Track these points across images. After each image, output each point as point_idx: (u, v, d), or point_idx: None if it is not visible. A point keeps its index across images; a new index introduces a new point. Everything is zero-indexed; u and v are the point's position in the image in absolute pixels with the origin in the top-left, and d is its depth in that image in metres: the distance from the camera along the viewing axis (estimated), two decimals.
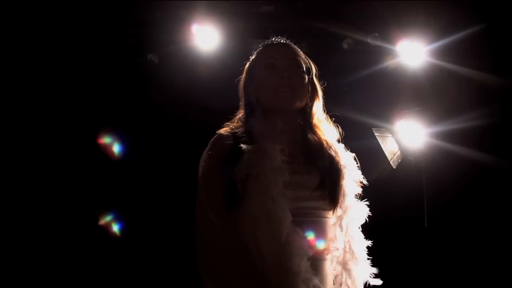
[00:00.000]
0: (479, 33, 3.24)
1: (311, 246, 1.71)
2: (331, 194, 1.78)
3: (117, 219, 3.44)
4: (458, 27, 3.26)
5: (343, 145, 1.94)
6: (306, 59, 1.91)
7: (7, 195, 3.31)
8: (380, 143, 3.45)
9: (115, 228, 3.43)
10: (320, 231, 1.75)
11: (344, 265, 1.81)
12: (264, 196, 1.69)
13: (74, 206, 3.40)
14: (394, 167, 3.47)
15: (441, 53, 3.36)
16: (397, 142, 3.48)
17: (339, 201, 1.80)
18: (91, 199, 3.42)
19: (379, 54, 3.50)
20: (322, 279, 1.72)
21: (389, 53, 3.48)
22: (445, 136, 3.40)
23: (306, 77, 1.86)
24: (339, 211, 1.81)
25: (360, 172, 1.90)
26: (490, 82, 3.30)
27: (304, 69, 1.86)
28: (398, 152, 3.49)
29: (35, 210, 3.35)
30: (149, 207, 3.49)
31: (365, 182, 1.90)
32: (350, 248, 1.81)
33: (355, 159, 1.92)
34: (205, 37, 3.46)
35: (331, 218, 1.81)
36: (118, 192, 3.46)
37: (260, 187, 1.69)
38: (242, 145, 1.73)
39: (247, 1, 3.44)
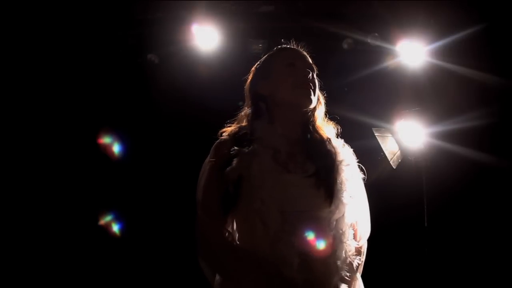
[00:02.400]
0: (479, 33, 3.24)
1: (301, 245, 1.72)
2: (326, 191, 1.80)
3: (117, 219, 3.44)
4: (458, 27, 3.26)
5: (342, 140, 1.96)
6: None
7: (7, 195, 3.30)
8: (380, 143, 3.45)
9: (115, 228, 3.43)
10: (314, 229, 1.75)
11: (324, 260, 1.78)
12: (254, 197, 1.75)
13: (74, 206, 3.40)
14: (394, 167, 3.47)
15: (441, 53, 3.36)
16: (397, 142, 3.48)
17: (333, 197, 1.80)
18: (91, 199, 3.42)
19: (379, 54, 3.50)
20: (317, 277, 1.73)
21: (389, 53, 3.48)
22: (445, 136, 3.40)
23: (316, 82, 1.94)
24: (332, 206, 1.80)
25: (357, 167, 1.91)
26: (490, 82, 3.30)
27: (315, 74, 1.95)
28: (398, 152, 3.49)
29: (35, 210, 3.35)
30: (149, 207, 3.49)
31: (362, 176, 1.92)
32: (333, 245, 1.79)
33: (354, 153, 1.94)
34: (205, 37, 3.46)
35: (326, 215, 1.80)
36: (118, 192, 3.46)
37: (250, 188, 1.76)
38: (235, 147, 1.80)
39: (247, 1, 3.44)
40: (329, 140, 1.93)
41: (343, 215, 1.82)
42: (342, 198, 1.81)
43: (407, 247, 3.49)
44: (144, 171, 3.52)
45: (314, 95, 1.89)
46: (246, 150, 1.80)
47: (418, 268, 3.40)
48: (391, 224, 3.35)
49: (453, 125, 3.37)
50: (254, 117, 1.91)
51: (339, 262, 1.78)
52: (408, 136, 3.44)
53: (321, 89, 1.98)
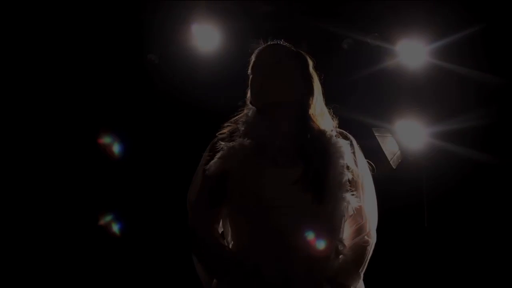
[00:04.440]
0: (479, 33, 3.24)
1: (285, 242, 1.67)
2: (316, 186, 1.73)
3: (117, 219, 3.44)
4: (458, 27, 3.26)
5: (334, 132, 1.88)
6: (299, 54, 1.92)
7: (7, 195, 3.30)
8: (380, 143, 3.45)
9: (115, 228, 3.42)
10: (302, 226, 1.69)
11: (310, 258, 1.71)
12: (235, 192, 1.73)
13: (74, 206, 3.40)
14: (394, 167, 3.47)
15: (441, 53, 3.36)
16: (397, 142, 3.48)
17: (324, 193, 1.73)
18: (91, 199, 3.42)
19: (379, 54, 3.50)
20: (299, 276, 1.67)
21: (389, 53, 3.48)
22: (445, 136, 3.40)
23: (296, 71, 1.87)
24: (324, 201, 1.73)
25: (352, 158, 1.83)
26: (490, 82, 3.30)
27: (294, 64, 1.88)
28: (398, 152, 3.49)
29: (35, 210, 3.35)
30: (149, 207, 3.49)
31: (355, 168, 1.83)
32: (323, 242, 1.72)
33: (351, 145, 1.87)
34: (205, 37, 3.46)
35: (315, 210, 1.73)
36: (118, 192, 3.46)
37: (233, 183, 1.74)
38: (221, 142, 1.79)
39: (247, 1, 3.44)
40: (323, 132, 1.86)
41: (336, 210, 1.75)
42: (335, 193, 1.75)
43: (407, 247, 3.48)
44: (144, 171, 3.52)
45: (280, 88, 1.82)
46: (231, 145, 1.77)
47: (418, 269, 3.40)
48: (391, 224, 3.35)
49: (453, 125, 3.37)
50: (246, 115, 1.90)
51: (327, 261, 1.71)
52: (408, 136, 3.44)
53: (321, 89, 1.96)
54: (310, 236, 1.69)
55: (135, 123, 3.54)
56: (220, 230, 1.85)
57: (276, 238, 1.67)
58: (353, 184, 1.81)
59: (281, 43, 1.94)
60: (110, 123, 3.47)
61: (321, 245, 1.70)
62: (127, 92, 3.54)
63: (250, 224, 1.71)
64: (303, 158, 1.77)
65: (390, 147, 3.48)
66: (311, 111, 1.89)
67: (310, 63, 1.92)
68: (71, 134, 3.45)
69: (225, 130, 1.90)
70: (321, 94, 1.93)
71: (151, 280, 3.51)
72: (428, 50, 3.39)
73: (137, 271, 3.47)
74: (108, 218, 3.42)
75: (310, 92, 1.88)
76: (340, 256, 1.75)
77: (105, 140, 3.44)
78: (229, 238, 1.83)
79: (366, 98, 3.47)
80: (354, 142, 1.90)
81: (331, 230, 1.74)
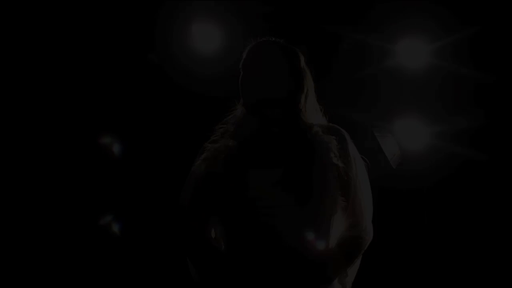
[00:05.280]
0: (479, 33, 3.25)
1: (270, 241, 1.66)
2: (297, 186, 1.69)
3: (117, 219, 3.44)
4: (458, 27, 3.27)
5: (321, 128, 1.81)
6: (289, 50, 1.87)
7: (6, 195, 3.31)
8: (380, 143, 3.45)
9: (115, 228, 3.43)
10: (287, 225, 1.67)
11: (294, 257, 1.68)
12: (219, 194, 1.72)
13: (74, 206, 3.40)
14: (394, 167, 3.47)
15: (441, 53, 3.36)
16: (397, 142, 3.48)
17: (307, 192, 1.68)
18: (91, 199, 3.42)
19: (379, 54, 3.50)
20: (284, 274, 1.65)
21: (389, 53, 3.48)
22: (445, 136, 3.40)
23: (285, 67, 1.81)
24: (308, 200, 1.68)
25: (339, 155, 1.75)
26: (490, 82, 3.30)
27: (284, 60, 1.82)
28: (398, 152, 3.49)
29: (35, 209, 3.35)
30: (149, 207, 3.49)
31: (342, 165, 1.74)
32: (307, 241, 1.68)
33: (341, 139, 1.79)
34: (205, 37, 3.46)
35: (299, 210, 1.68)
36: (118, 192, 3.46)
37: (217, 185, 1.73)
38: (207, 144, 1.80)
39: (247, 1, 3.44)
40: (310, 129, 1.81)
41: (321, 209, 1.70)
42: (319, 192, 1.69)
43: (407, 247, 3.49)
44: (143, 171, 3.52)
45: (263, 87, 1.76)
46: (216, 146, 1.77)
47: (418, 269, 3.40)
48: (391, 224, 3.35)
49: (453, 125, 3.37)
50: (235, 115, 1.89)
51: (312, 261, 1.67)
52: (408, 136, 3.45)
53: (321, 90, 1.94)
54: (295, 236, 1.67)
55: (135, 123, 3.54)
56: (214, 233, 1.85)
57: (260, 239, 1.66)
58: (341, 182, 1.75)
59: (273, 39, 1.89)
60: (110, 123, 3.47)
61: (306, 245, 1.67)
62: (126, 92, 3.54)
63: (235, 225, 1.70)
64: (287, 158, 1.74)
65: (390, 147, 3.49)
66: (301, 108, 1.82)
67: (302, 58, 1.86)
68: (71, 134, 3.45)
69: (218, 132, 1.87)
70: (313, 90, 1.87)
71: (151, 280, 3.51)
72: (428, 50, 3.39)
73: (137, 271, 3.47)
74: (108, 218, 3.42)
75: (299, 88, 1.82)
76: (328, 252, 1.71)
77: (105, 140, 3.44)
78: (222, 240, 1.82)
79: (366, 98, 3.47)
80: (347, 137, 1.83)
81: (316, 229, 1.69)
